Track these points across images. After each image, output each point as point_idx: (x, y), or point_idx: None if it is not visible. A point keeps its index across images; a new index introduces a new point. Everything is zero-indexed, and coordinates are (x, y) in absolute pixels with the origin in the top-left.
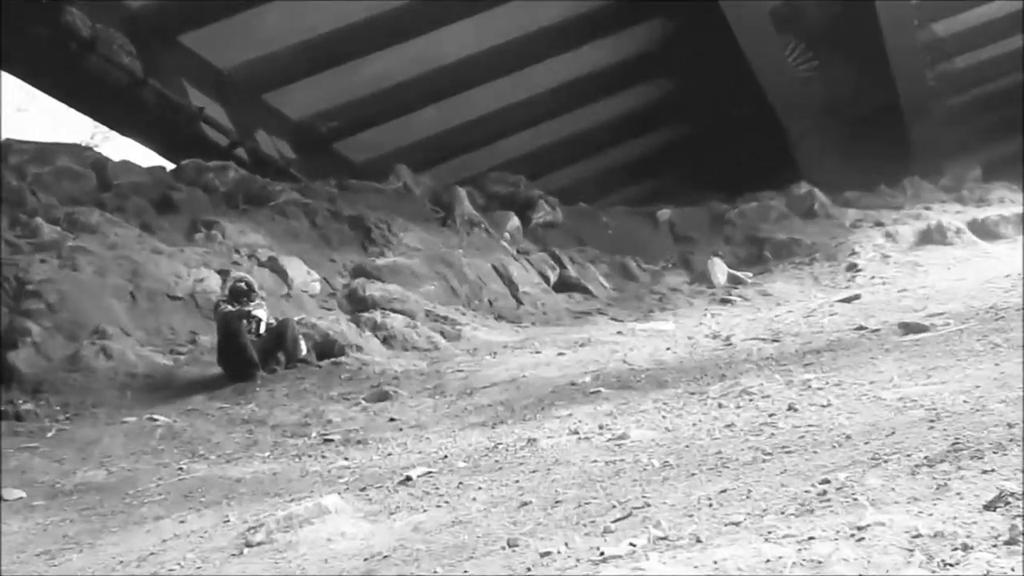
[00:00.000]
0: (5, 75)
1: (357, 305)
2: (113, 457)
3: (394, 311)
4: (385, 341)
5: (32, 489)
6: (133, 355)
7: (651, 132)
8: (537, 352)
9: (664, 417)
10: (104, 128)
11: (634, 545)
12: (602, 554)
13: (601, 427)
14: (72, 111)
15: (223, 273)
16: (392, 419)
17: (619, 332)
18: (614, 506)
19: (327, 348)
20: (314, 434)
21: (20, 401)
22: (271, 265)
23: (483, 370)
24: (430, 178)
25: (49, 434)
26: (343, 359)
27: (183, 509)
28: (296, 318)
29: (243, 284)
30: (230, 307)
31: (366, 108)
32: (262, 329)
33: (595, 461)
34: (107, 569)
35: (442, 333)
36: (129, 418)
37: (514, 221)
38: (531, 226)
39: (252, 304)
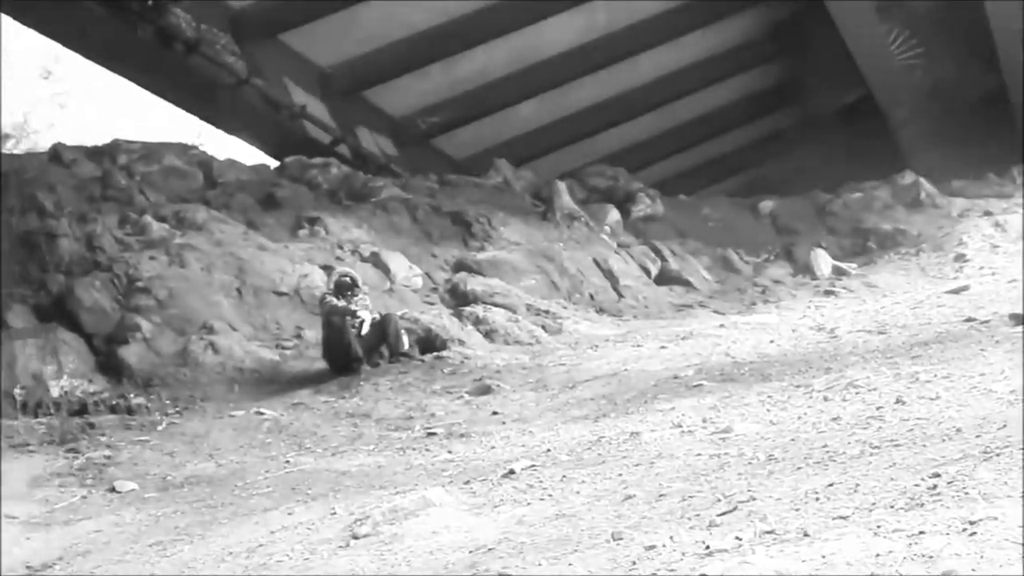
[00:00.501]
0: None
1: (459, 299)
2: (222, 450)
3: (495, 305)
4: (487, 335)
5: (144, 481)
6: (240, 350)
7: (753, 122)
8: (639, 345)
9: (768, 410)
10: (209, 127)
11: (740, 539)
12: (708, 548)
13: (704, 420)
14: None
15: (327, 269)
16: (495, 413)
17: (721, 325)
18: (719, 500)
19: (429, 342)
20: (418, 428)
21: (131, 395)
22: (374, 260)
23: (585, 364)
24: (530, 172)
25: (160, 427)
26: (445, 353)
27: (291, 501)
28: (399, 313)
29: (347, 279)
30: (335, 302)
31: (466, 104)
32: (365, 328)
33: (699, 455)
34: (217, 560)
35: (543, 327)
36: (237, 412)
37: (614, 214)
38: (631, 219)
39: (356, 299)
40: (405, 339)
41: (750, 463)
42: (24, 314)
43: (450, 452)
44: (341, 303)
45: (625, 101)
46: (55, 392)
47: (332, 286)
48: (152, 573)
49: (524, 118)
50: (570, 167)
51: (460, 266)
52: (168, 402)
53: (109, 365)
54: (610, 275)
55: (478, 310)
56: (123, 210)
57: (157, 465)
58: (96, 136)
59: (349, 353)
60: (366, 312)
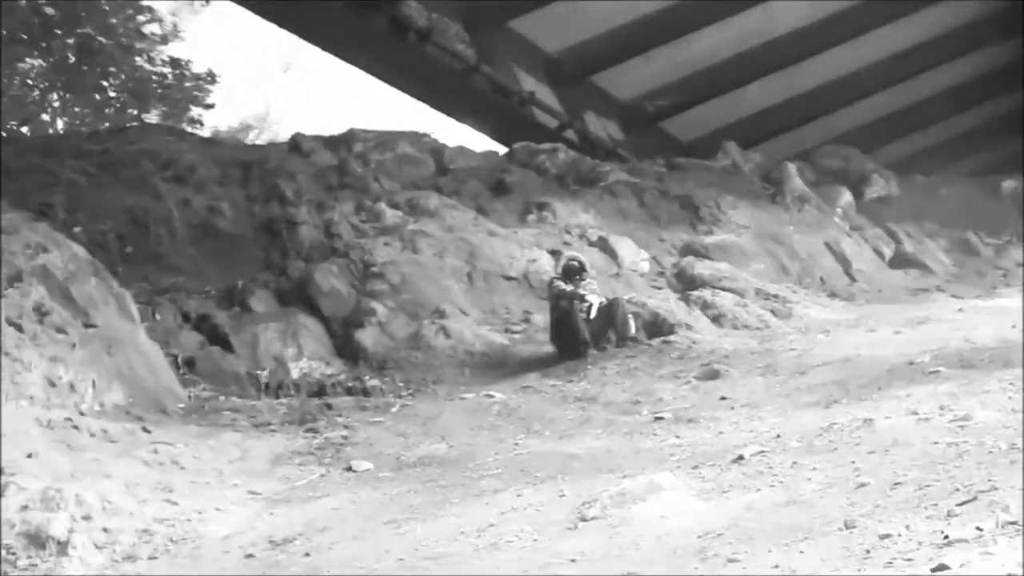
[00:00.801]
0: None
1: (686, 284)
2: (453, 432)
3: (723, 289)
4: (715, 320)
5: (379, 460)
6: (471, 334)
7: (993, 99)
8: (872, 330)
9: (1011, 398)
10: (441, 115)
11: (981, 529)
12: (946, 537)
13: (942, 408)
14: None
15: (555, 253)
16: (723, 398)
17: (960, 309)
18: (958, 489)
19: (657, 327)
20: (645, 412)
21: (367, 377)
22: (601, 245)
23: (815, 349)
24: (759, 154)
25: (393, 409)
26: (673, 338)
27: (520, 483)
28: (626, 297)
29: (575, 263)
30: (563, 286)
31: (693, 86)
32: (593, 312)
33: (936, 443)
34: (449, 539)
35: (772, 311)
36: (467, 395)
37: (847, 196)
38: (864, 201)
39: (583, 284)
40: (632, 323)
41: (990, 452)
42: (266, 299)
43: (678, 437)
44: (569, 287)
45: (857, 79)
46: (295, 374)
47: (560, 271)
48: (387, 550)
49: (752, 99)
50: (800, 148)
51: (688, 250)
52: (401, 384)
53: (346, 348)
54: (842, 258)
55: (706, 294)
56: (359, 197)
57: (391, 445)
58: (333, 126)
59: (577, 337)
60: (594, 296)
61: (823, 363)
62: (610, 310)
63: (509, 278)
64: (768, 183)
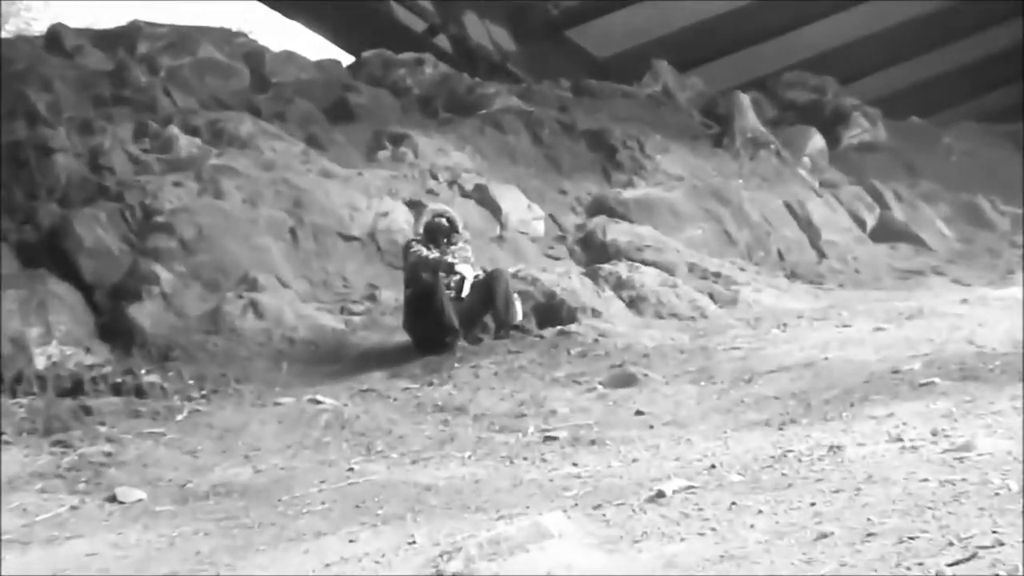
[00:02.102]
0: None
1: (595, 254)
2: (263, 451)
3: (646, 263)
4: (632, 304)
5: (156, 490)
6: (292, 313)
7: (1010, 21)
8: (845, 325)
9: None
10: (263, 8)
11: None
12: None
13: (935, 433)
14: None
15: (415, 206)
16: (639, 412)
17: (964, 300)
18: (951, 543)
19: (552, 311)
20: (531, 429)
21: (142, 371)
22: (479, 196)
23: (768, 348)
24: (700, 80)
25: (180, 416)
26: (574, 328)
27: (353, 524)
28: (511, 270)
29: (443, 220)
30: (424, 252)
31: None
32: (466, 288)
33: (925, 480)
34: None
35: (711, 295)
36: (285, 399)
37: (817, 141)
38: (841, 148)
39: (454, 249)
40: (519, 306)
41: (997, 495)
42: (4, 255)
43: (575, 464)
44: (433, 254)
45: None
46: (40, 363)
47: (421, 230)
48: None
49: (693, 4)
50: (756, 74)
51: (598, 207)
52: (191, 382)
53: (114, 329)
54: (808, 226)
55: (621, 269)
56: (140, 117)
57: (174, 468)
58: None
59: (442, 323)
60: (467, 267)
61: (778, 368)
62: (488, 287)
63: (349, 238)
64: (711, 119)
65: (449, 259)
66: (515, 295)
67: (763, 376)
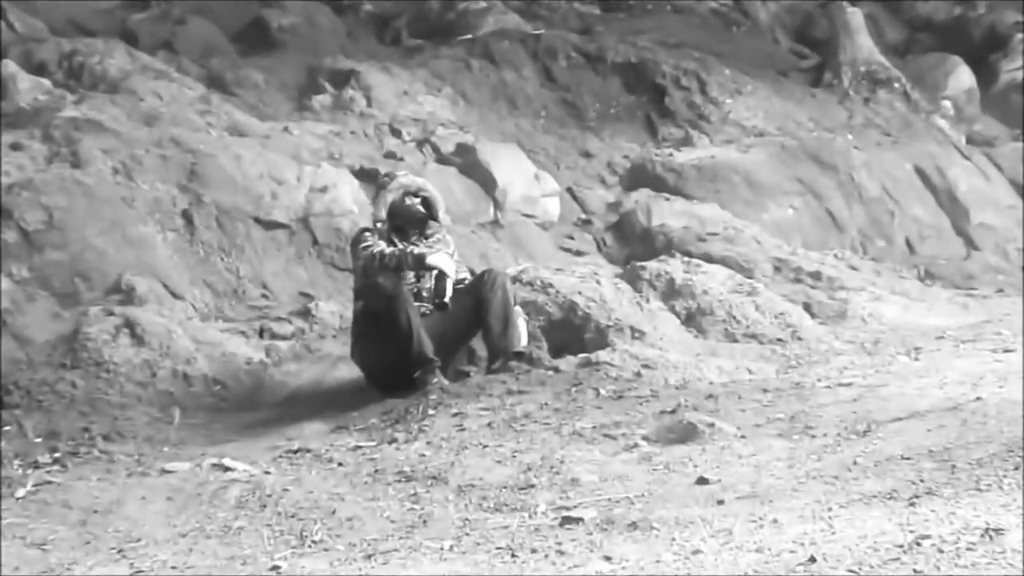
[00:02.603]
0: None
1: (635, 246)
2: (145, 542)
3: (710, 260)
4: (691, 320)
5: None
6: (187, 338)
7: None
8: (1007, 350)
9: None
10: None
11: None
12: None
13: None
14: None
15: (369, 177)
16: (702, 480)
17: None
18: None
19: (573, 333)
20: (542, 506)
21: None
22: (464, 161)
23: (892, 385)
24: None
25: (19, 493)
26: (604, 356)
27: None
28: (512, 271)
29: (415, 202)
30: (383, 246)
31: None
32: (448, 294)
33: None
34: None
35: (808, 306)
36: (177, 464)
37: (962, 76)
38: (998, 87)
39: (430, 241)
40: (522, 325)
41: None
42: None
43: (608, 559)
44: (397, 248)
45: None
46: None
47: (382, 215)
48: None
49: None
50: None
51: (640, 177)
52: (38, 440)
53: None
54: (951, 202)
55: (674, 269)
56: None
57: (13, 567)
58: None
59: (408, 350)
60: (443, 257)
61: (907, 414)
62: (479, 297)
63: (271, 225)
64: (807, 46)
65: (421, 250)
66: (517, 308)
67: (885, 426)
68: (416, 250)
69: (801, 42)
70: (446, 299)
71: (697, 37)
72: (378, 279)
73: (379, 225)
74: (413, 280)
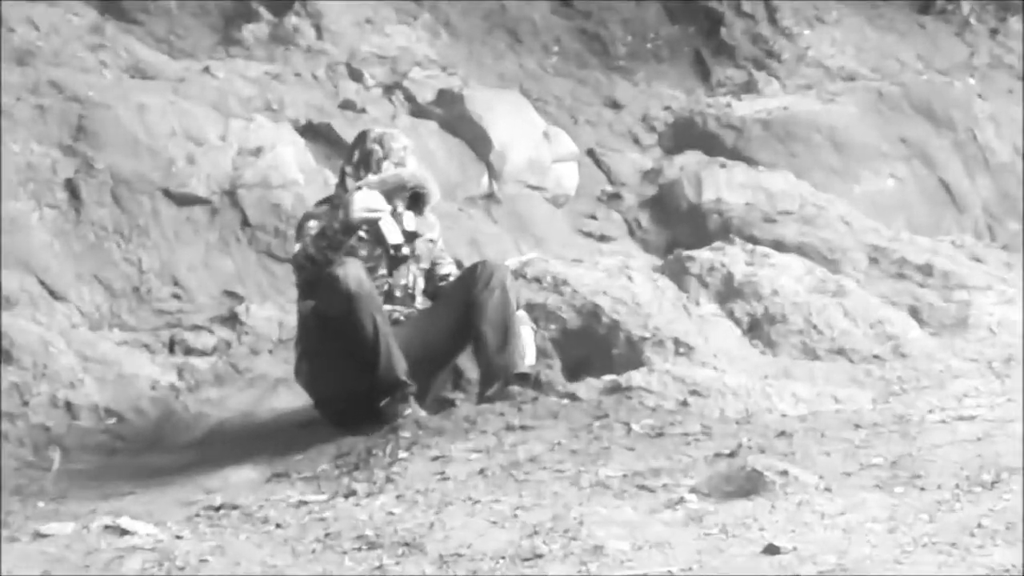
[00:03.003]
0: None
1: (681, 228)
2: None
3: (782, 248)
4: (755, 329)
5: None
6: (71, 352)
7: None
8: None
9: None
10: None
11: None
12: None
13: None
14: None
15: (318, 134)
16: (772, 550)
17: None
18: None
19: (596, 346)
20: None
21: None
22: (449, 114)
23: None
24: None
25: None
26: (638, 378)
27: None
28: (514, 262)
29: (377, 144)
30: (359, 208)
31: None
32: (395, 238)
33: None
34: None
35: (913, 310)
36: (53, 525)
37: None
38: None
39: (411, 213)
40: (528, 336)
41: None
42: None
43: None
44: (367, 212)
45: None
46: None
47: (356, 170)
48: None
49: None
50: None
51: (685, 134)
52: None
53: None
54: None
55: (732, 259)
56: None
57: None
58: None
59: (375, 367)
60: (371, 201)
61: None
62: (469, 298)
63: (186, 199)
64: None
65: (383, 217)
66: (521, 314)
67: (1020, 475)
68: (384, 217)
69: None
70: (396, 241)
71: None
72: (335, 272)
73: (353, 192)
74: (384, 274)
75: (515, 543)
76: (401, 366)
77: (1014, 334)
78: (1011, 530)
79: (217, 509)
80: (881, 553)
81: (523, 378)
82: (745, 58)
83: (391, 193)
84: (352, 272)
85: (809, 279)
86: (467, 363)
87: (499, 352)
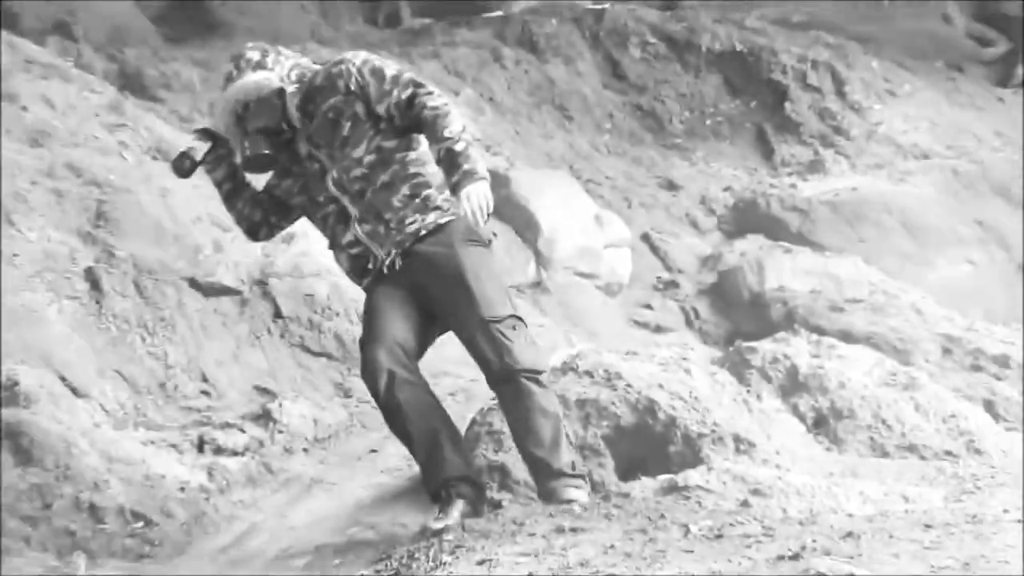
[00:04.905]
0: None
1: (740, 318)
2: None
3: (851, 339)
4: (820, 425)
5: None
6: (95, 452)
7: None
8: None
9: None
10: None
11: None
12: None
13: None
14: None
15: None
16: None
17: None
18: None
19: (651, 444)
20: None
21: None
22: (493, 194)
23: None
24: None
25: None
26: (696, 478)
27: None
28: (558, 355)
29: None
30: None
31: None
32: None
33: None
34: None
35: (989, 404)
36: None
37: None
38: None
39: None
40: (563, 434)
41: None
42: None
43: None
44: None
45: None
46: None
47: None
48: None
49: None
50: None
51: (747, 218)
52: None
53: None
54: None
55: (797, 352)
56: None
57: None
58: None
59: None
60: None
61: None
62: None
63: (214, 289)
64: (991, 26)
65: None
66: (555, 413)
67: None
68: None
69: (984, 21)
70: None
71: (831, 13)
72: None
73: None
74: (351, 240)
75: None
76: (444, 474)
77: None
78: None
79: None
80: None
81: (563, 473)
82: (811, 135)
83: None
84: (375, 366)
85: (878, 371)
86: (516, 462)
87: (535, 445)
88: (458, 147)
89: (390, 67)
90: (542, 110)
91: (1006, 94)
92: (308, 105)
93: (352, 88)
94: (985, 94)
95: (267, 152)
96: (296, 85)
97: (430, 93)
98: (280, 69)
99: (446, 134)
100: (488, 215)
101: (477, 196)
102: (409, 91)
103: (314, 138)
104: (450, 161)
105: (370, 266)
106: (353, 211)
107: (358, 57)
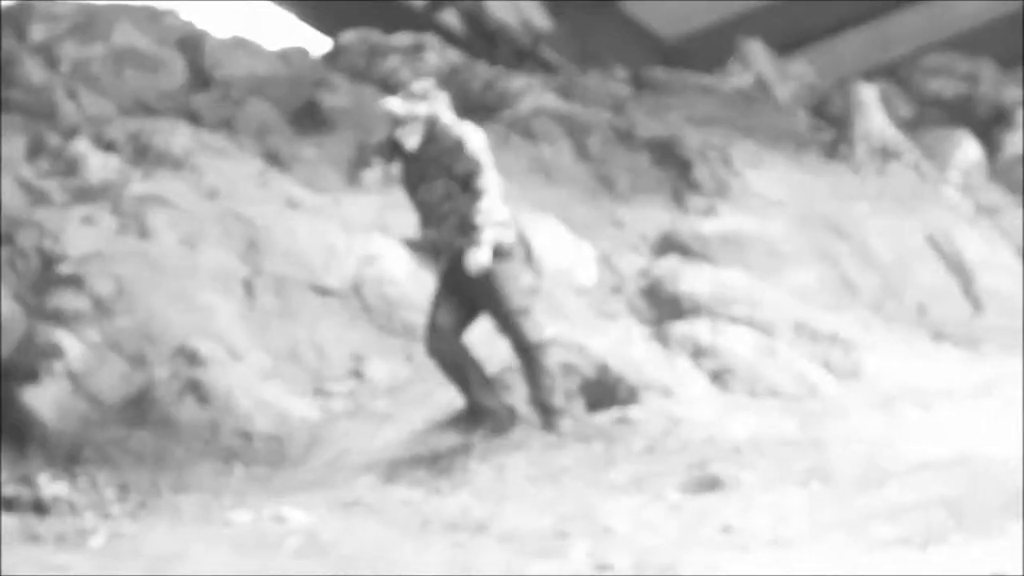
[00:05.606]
0: None
1: (665, 309)
2: None
3: (735, 322)
4: (717, 379)
5: None
6: (247, 397)
7: None
8: (1010, 404)
9: None
10: None
11: None
12: None
13: None
14: None
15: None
16: (727, 529)
17: None
18: None
19: (605, 390)
20: (579, 553)
21: (42, 478)
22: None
23: (903, 439)
24: (806, 66)
25: (95, 541)
26: (636, 413)
27: None
28: (550, 332)
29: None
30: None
31: None
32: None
33: None
34: None
35: (825, 364)
36: (239, 514)
37: (969, 149)
38: (1003, 159)
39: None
40: (554, 382)
41: None
42: None
43: None
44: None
45: None
46: None
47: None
48: None
49: None
50: (883, 58)
51: (669, 245)
52: (111, 493)
53: (2, 421)
54: (958, 267)
55: (701, 331)
56: (38, 129)
57: None
58: None
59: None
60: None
61: (919, 465)
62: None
63: (324, 292)
64: (823, 120)
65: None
66: (551, 370)
67: (898, 477)
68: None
69: (818, 118)
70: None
71: (721, 113)
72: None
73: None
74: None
75: (553, 526)
76: (489, 394)
77: (896, 381)
78: (893, 514)
79: (349, 504)
80: (804, 529)
81: (550, 409)
82: (708, 191)
83: None
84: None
85: (753, 344)
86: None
87: (537, 394)
88: None
89: None
90: (535, 175)
91: (833, 164)
92: None
93: None
94: (819, 163)
95: None
96: None
97: None
98: None
99: None
100: None
101: None
102: None
103: None
104: None
105: None
106: None
107: None
